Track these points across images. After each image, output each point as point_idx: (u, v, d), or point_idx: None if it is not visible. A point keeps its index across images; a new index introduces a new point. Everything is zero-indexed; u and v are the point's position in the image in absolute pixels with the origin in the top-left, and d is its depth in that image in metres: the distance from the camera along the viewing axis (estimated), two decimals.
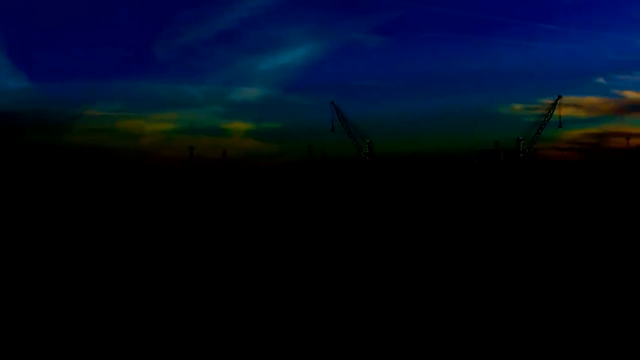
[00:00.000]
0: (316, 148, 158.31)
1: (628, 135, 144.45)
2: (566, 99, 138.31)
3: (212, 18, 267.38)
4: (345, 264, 20.85)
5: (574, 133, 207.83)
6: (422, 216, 39.29)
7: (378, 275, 18.71)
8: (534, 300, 15.06)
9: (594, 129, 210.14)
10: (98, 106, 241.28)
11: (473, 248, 24.23)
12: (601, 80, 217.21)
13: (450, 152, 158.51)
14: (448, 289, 16.45)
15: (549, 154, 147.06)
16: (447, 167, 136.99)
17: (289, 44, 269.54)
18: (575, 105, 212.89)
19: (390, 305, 14.81)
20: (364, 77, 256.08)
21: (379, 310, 14.29)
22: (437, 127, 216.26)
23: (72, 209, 49.19)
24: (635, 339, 11.80)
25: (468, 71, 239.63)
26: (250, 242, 27.25)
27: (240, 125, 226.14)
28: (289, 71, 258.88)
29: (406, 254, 22.84)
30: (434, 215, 40.12)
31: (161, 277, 18.84)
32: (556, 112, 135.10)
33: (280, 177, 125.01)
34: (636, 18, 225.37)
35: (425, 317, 13.61)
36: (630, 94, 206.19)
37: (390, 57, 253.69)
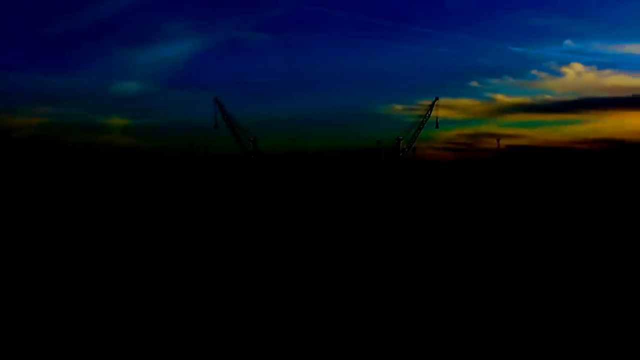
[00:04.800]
0: (199, 145, 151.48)
1: (499, 137, 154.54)
2: (443, 100, 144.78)
3: (88, 7, 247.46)
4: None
5: (450, 133, 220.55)
6: (299, 214, 36.82)
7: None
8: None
9: (468, 130, 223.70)
10: None
11: (352, 247, 21.89)
12: (475, 83, 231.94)
13: (333, 151, 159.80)
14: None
15: (427, 153, 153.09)
16: (329, 165, 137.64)
17: (170, 38, 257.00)
18: (451, 107, 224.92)
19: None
20: (248, 74, 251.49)
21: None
22: (321, 126, 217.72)
23: None
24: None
25: (350, 71, 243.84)
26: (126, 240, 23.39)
27: (118, 121, 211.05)
28: (169, 66, 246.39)
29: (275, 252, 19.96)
30: (310, 213, 37.82)
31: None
32: (434, 113, 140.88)
33: (158, 173, 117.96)
34: (508, 25, 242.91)
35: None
36: (501, 97, 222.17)
37: (274, 55, 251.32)
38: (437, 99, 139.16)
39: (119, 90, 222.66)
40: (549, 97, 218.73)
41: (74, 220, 35.64)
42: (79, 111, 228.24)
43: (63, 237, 27.79)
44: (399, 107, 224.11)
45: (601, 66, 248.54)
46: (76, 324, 12.99)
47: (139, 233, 29.28)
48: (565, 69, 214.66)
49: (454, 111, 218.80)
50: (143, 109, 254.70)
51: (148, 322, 13.20)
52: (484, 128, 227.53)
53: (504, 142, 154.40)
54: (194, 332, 12.52)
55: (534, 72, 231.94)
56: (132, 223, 34.18)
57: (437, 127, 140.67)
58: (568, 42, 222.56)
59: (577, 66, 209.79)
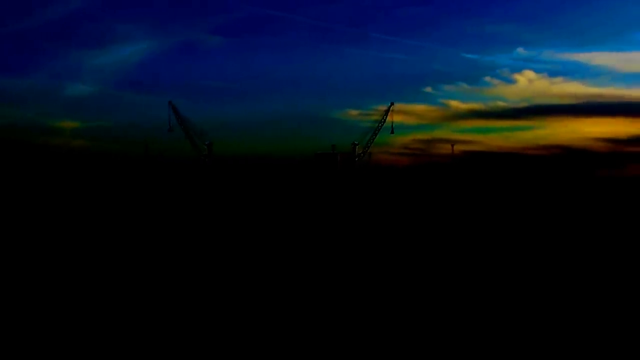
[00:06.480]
0: (153, 148, 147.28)
1: (453, 142, 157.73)
2: (398, 106, 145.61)
3: (39, 7, 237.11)
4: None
5: (405, 139, 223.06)
6: (252, 219, 36.38)
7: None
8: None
9: (422, 135, 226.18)
10: None
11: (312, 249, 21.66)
12: (429, 89, 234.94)
13: (288, 155, 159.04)
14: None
15: (382, 158, 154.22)
16: (285, 168, 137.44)
17: (124, 40, 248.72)
18: (406, 113, 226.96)
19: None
20: (203, 77, 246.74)
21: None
22: (276, 130, 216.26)
23: None
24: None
25: (305, 76, 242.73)
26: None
27: (69, 124, 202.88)
28: (123, 68, 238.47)
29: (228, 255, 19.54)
30: (268, 217, 37.44)
31: None
32: (389, 119, 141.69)
33: (113, 176, 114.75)
34: (461, 32, 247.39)
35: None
36: (455, 104, 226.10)
37: (229, 58, 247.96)
38: (392, 104, 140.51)
39: (71, 93, 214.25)
40: (501, 103, 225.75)
41: (27, 224, 34.21)
42: (31, 113, 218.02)
43: (19, 241, 26.59)
44: (354, 112, 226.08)
45: (552, 74, 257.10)
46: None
47: (94, 235, 28.31)
48: (517, 76, 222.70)
49: (409, 117, 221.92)
50: (96, 111, 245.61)
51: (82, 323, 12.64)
52: (439, 134, 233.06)
53: (458, 148, 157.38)
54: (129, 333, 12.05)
55: (487, 78, 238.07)
56: (88, 225, 33.04)
57: (392, 132, 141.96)
58: (520, 49, 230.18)
59: (529, 73, 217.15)
